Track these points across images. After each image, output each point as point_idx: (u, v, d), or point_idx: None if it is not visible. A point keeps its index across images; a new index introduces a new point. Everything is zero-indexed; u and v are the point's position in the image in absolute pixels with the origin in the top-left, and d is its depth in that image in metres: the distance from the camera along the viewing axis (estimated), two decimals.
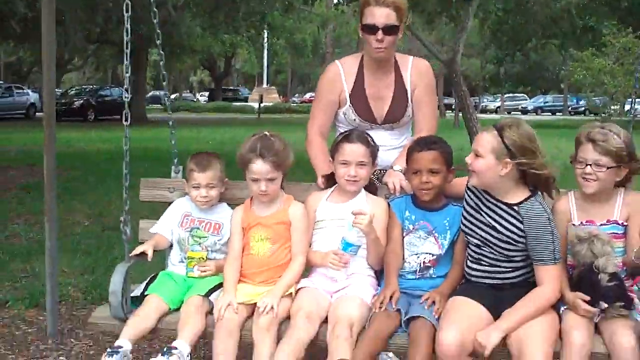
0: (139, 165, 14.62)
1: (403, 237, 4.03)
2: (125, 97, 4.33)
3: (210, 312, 3.90)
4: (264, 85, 67.19)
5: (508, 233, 3.66)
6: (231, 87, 74.35)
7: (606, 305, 3.49)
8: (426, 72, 4.53)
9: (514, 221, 3.64)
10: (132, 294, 4.05)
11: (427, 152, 3.93)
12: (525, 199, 3.65)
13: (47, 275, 5.02)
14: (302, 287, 3.95)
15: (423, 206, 4.03)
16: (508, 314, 3.55)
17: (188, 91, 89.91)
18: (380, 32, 4.23)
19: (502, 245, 3.69)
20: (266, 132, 4.14)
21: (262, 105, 48.30)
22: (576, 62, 34.79)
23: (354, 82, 4.47)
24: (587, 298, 3.52)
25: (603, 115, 33.69)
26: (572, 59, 37.12)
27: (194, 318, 3.81)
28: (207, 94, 76.03)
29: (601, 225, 3.73)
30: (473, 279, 3.84)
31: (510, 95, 72.92)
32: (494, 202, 3.72)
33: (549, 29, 24.90)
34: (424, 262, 3.99)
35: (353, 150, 4.02)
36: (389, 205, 4.11)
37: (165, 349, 3.61)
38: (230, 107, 55.72)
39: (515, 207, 3.65)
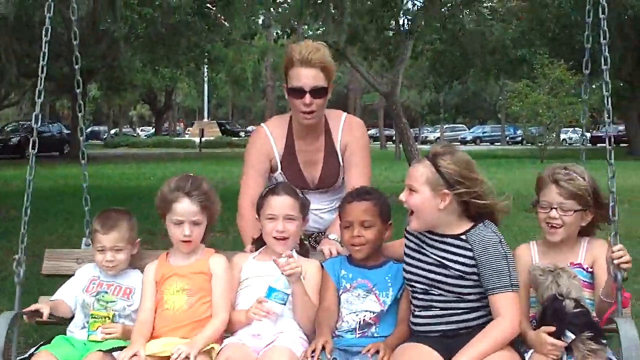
0: (72, 203, 14.43)
1: (340, 296, 3.67)
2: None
3: None
4: (205, 119, 66.94)
5: (458, 267, 3.33)
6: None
7: (573, 337, 3.18)
8: (357, 131, 4.24)
9: (463, 252, 3.34)
10: (18, 359, 3.56)
11: (359, 202, 3.64)
12: (472, 227, 3.37)
13: None
14: (226, 344, 3.51)
15: (360, 264, 3.70)
16: (466, 347, 3.19)
17: (128, 126, 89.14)
18: (307, 95, 3.94)
19: (453, 282, 3.34)
20: (191, 174, 3.84)
21: (203, 139, 48.13)
22: (512, 94, 35.66)
23: (284, 148, 4.20)
24: (552, 329, 3.20)
25: (540, 144, 34.46)
26: (508, 90, 38.05)
27: None
28: (149, 129, 75.56)
29: None
30: (422, 327, 3.44)
31: (450, 125, 74.12)
32: (438, 238, 3.42)
33: (484, 60, 25.55)
34: (363, 319, 3.60)
35: (280, 203, 3.68)
36: (322, 266, 3.77)
37: None
38: (172, 141, 55.42)
39: (463, 237, 3.36)
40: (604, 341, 3.23)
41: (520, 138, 57.21)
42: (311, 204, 3.99)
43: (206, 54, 34.91)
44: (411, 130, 20.12)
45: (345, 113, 4.35)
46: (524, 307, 3.40)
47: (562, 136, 42.82)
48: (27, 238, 3.87)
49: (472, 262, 3.32)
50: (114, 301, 3.74)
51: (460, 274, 3.33)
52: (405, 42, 16.98)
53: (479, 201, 3.33)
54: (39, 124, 4.06)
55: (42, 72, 3.96)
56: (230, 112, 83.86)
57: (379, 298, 3.63)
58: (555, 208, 3.43)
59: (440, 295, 3.38)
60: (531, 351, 3.30)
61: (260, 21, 30.56)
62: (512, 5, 23.14)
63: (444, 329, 3.37)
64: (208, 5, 20.25)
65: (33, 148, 3.93)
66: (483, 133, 68.29)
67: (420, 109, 61.10)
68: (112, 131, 73.86)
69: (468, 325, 3.35)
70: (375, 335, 3.58)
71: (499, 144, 61.76)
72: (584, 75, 4.00)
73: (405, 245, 3.57)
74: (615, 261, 3.23)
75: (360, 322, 3.59)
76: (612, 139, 3.48)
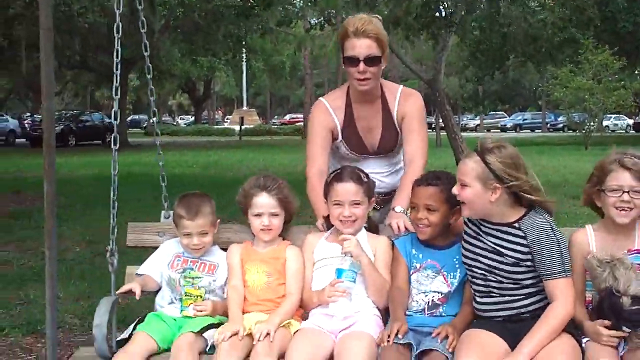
0: (124, 191, 14.61)
1: (410, 275, 3.79)
2: (115, 121, 4.23)
3: (203, 351, 3.64)
4: (244, 108, 67.25)
5: (512, 254, 3.44)
6: None
7: (629, 331, 3.29)
8: (414, 101, 4.39)
9: (517, 239, 3.44)
10: (118, 338, 3.78)
11: (425, 187, 3.74)
12: (524, 215, 3.47)
13: (47, 302, 4.97)
14: (301, 329, 3.69)
15: (430, 244, 3.82)
16: (527, 338, 3.31)
17: (167, 115, 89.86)
18: (361, 64, 4.13)
19: (509, 269, 3.46)
20: (269, 174, 4.11)
21: (243, 127, 48.36)
22: (555, 80, 35.20)
23: (344, 116, 4.36)
24: (608, 323, 3.33)
25: (583, 131, 34.05)
26: (550, 77, 37.54)
27: (186, 356, 3.54)
28: (188, 117, 76.09)
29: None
30: (485, 314, 3.57)
31: (490, 113, 73.57)
32: (493, 226, 3.52)
33: (527, 46, 25.19)
34: (432, 300, 3.74)
35: (346, 190, 3.81)
36: (393, 243, 3.89)
37: None
38: (212, 129, 55.74)
39: (516, 225, 3.46)
40: None
41: (561, 125, 56.62)
42: (371, 168, 4.22)
43: (243, 43, 35.05)
44: (454, 116, 19.98)
45: (402, 86, 4.50)
46: (579, 294, 3.51)
47: (605, 122, 42.22)
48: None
49: (526, 249, 3.41)
50: (200, 277, 3.93)
51: (516, 260, 3.43)
52: (448, 29, 16.82)
53: (528, 196, 3.43)
54: (117, 119, 4.24)
55: (116, 82, 4.14)
56: (268, 101, 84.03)
57: (446, 279, 3.75)
58: (627, 192, 3.48)
59: (497, 281, 3.49)
60: (587, 339, 3.42)
61: (296, 10, 30.55)
62: None
63: (506, 314, 3.50)
64: None
65: (114, 144, 4.19)
66: (523, 120, 67.59)
67: (459, 98, 60.65)
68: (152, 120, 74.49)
69: (529, 309, 3.47)
70: (443, 314, 3.71)
71: (540, 131, 61.11)
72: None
73: (464, 231, 3.66)
74: None
75: (429, 302, 3.73)
76: None
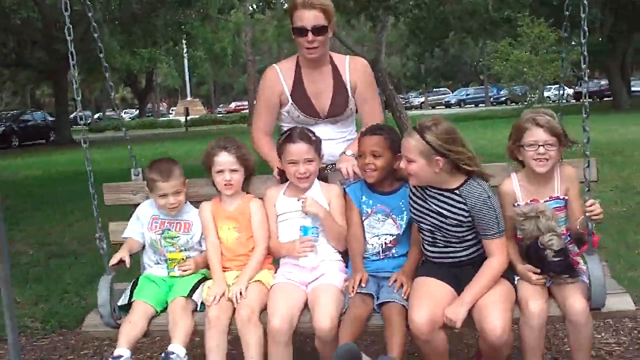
0: (73, 190, 14.44)
1: (362, 221, 4.24)
2: (81, 114, 4.48)
3: (195, 309, 4.11)
4: (188, 98, 66.74)
5: (454, 216, 3.90)
6: None
7: (554, 275, 3.85)
8: (364, 69, 4.71)
9: (458, 204, 3.89)
10: (119, 303, 4.18)
11: (370, 136, 4.18)
12: (464, 182, 3.90)
13: (5, 308, 4.93)
14: (276, 284, 4.17)
15: (378, 190, 4.24)
16: (468, 288, 3.83)
17: (111, 109, 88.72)
18: (310, 33, 4.43)
19: (452, 228, 3.93)
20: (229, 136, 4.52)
21: (188, 118, 48.03)
22: (495, 54, 35.63)
23: (293, 82, 4.63)
24: (537, 270, 3.87)
25: (525, 103, 34.55)
26: (490, 51, 37.99)
27: (182, 319, 4.00)
28: (132, 111, 75.27)
29: (545, 202, 4.01)
30: (433, 259, 4.07)
31: (434, 90, 74.12)
32: (437, 190, 3.95)
33: (466, 23, 25.47)
34: (385, 242, 4.21)
35: (298, 150, 4.23)
36: (344, 191, 4.32)
37: (163, 356, 3.86)
38: (157, 122, 55.24)
39: (457, 192, 3.89)
40: (578, 276, 3.86)
41: (504, 98, 57.28)
42: (323, 135, 4.51)
43: (183, 30, 34.70)
44: (399, 96, 20.12)
45: (348, 55, 4.84)
46: (510, 237, 4.04)
47: (546, 93, 42.85)
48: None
49: (466, 213, 3.89)
50: (178, 236, 4.39)
51: (458, 222, 3.92)
52: (386, 7, 16.89)
53: (468, 167, 3.88)
54: (85, 117, 4.30)
55: (73, 63, 4.23)
56: (212, 90, 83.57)
57: (395, 222, 4.22)
58: (542, 145, 3.96)
59: (442, 236, 4.00)
60: (519, 277, 3.98)
61: None
62: None
63: (450, 261, 4.03)
64: None
65: (84, 142, 4.40)
66: (466, 95, 68.22)
67: (402, 77, 61.05)
68: (96, 115, 73.52)
69: (469, 257, 4.01)
70: (395, 255, 4.23)
71: (483, 105, 61.75)
72: (564, 31, 4.40)
73: (411, 191, 4.11)
74: (588, 214, 3.78)
75: (382, 244, 4.23)
76: (587, 95, 3.87)
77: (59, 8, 4.29)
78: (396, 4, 17.01)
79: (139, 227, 4.46)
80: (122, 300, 4.20)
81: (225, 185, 4.34)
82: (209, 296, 4.03)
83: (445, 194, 3.92)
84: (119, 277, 4.28)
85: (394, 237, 4.22)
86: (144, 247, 4.48)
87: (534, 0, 26.78)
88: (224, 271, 4.25)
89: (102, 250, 4.17)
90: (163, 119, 61.59)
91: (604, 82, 46.98)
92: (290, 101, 4.62)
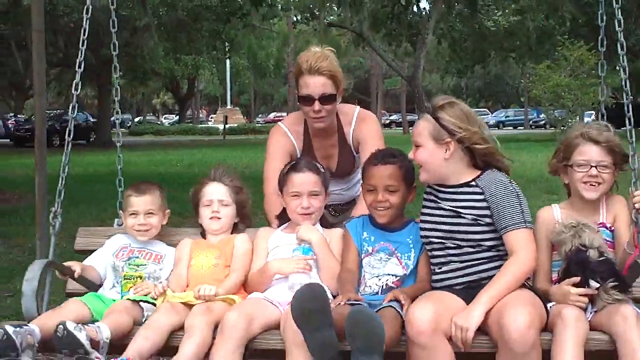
0: (108, 189, 14.75)
1: (361, 260, 3.72)
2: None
3: (139, 322, 3.58)
4: (228, 106, 67.27)
5: (471, 211, 3.41)
6: None
7: (597, 285, 3.21)
8: (369, 125, 4.37)
9: (474, 196, 3.43)
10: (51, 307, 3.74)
11: (383, 166, 3.64)
12: (481, 174, 3.48)
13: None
14: (248, 297, 3.73)
15: (382, 226, 3.73)
16: (484, 289, 3.27)
17: (151, 114, 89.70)
18: (316, 103, 4.09)
19: (468, 229, 3.41)
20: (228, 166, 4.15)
21: (226, 126, 48.44)
22: (534, 77, 35.41)
23: (303, 143, 4.36)
24: (577, 280, 3.26)
25: (562, 128, 34.32)
26: (531, 73, 37.78)
27: (120, 314, 3.51)
28: (172, 116, 76.12)
29: None
30: (444, 282, 3.49)
31: (473, 109, 73.57)
32: (450, 189, 3.50)
33: (506, 42, 25.54)
34: (386, 283, 3.63)
35: (303, 181, 3.82)
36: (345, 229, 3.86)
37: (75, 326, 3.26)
38: (196, 128, 55.76)
39: (472, 183, 3.45)
40: (629, 289, 3.27)
41: (543, 122, 56.82)
42: (331, 187, 4.10)
43: (226, 39, 35.06)
44: None
45: (358, 107, 4.47)
46: (545, 271, 3.50)
47: (586, 119, 42.52)
48: (65, 222, 4.08)
49: (484, 204, 3.40)
50: (145, 264, 3.90)
51: (474, 217, 3.40)
52: (425, 27, 17.11)
53: (480, 145, 3.44)
54: (75, 114, 4.40)
55: (79, 67, 4.32)
56: (253, 99, 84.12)
57: (401, 261, 3.67)
58: (595, 166, 3.45)
59: (456, 247, 3.44)
60: (552, 303, 3.34)
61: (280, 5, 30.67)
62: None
63: (465, 280, 3.43)
64: None
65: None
66: (506, 117, 67.68)
67: (442, 94, 60.97)
68: (136, 119, 74.40)
69: (489, 274, 3.38)
70: None
71: (522, 127, 61.31)
72: (600, 53, 3.99)
73: (424, 199, 3.63)
74: (637, 205, 3.30)
75: (382, 286, 3.63)
76: (632, 119, 3.54)
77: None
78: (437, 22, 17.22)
79: (103, 256, 4.00)
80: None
81: (211, 218, 3.91)
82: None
83: (460, 189, 3.47)
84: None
85: (398, 277, 3.65)
86: (100, 285, 3.96)
87: (573, 19, 26.60)
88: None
89: (51, 229, 3.94)
90: (202, 125, 62.08)
91: None
92: None
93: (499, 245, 3.42)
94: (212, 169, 4.07)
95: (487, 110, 74.07)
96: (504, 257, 3.41)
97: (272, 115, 78.71)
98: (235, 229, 4.01)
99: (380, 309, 3.32)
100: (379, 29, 18.06)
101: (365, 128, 4.33)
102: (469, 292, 3.35)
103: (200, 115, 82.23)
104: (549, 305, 3.33)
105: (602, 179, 3.45)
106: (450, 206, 3.47)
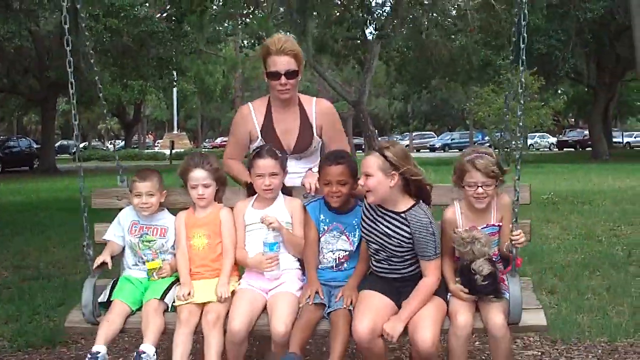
0: (50, 216, 14.57)
1: (319, 237, 4.72)
2: (76, 134, 4.91)
3: (167, 310, 4.55)
4: (175, 131, 66.99)
5: (398, 237, 4.36)
6: None
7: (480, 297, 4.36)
8: (329, 111, 5.21)
9: (403, 227, 4.35)
10: (99, 300, 4.62)
11: (335, 166, 4.59)
12: (411, 207, 4.37)
13: None
14: (239, 289, 4.62)
15: (334, 209, 4.71)
16: (405, 305, 4.32)
17: (97, 139, 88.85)
18: (283, 77, 4.92)
19: (395, 248, 4.39)
20: (202, 152, 4.83)
21: (173, 151, 48.20)
22: (479, 100, 36.10)
23: (264, 120, 5.10)
24: (467, 290, 4.35)
25: (506, 150, 34.94)
26: (475, 96, 38.46)
27: (154, 319, 4.45)
28: (118, 142, 75.45)
29: (482, 228, 4.48)
30: (378, 273, 4.56)
31: (419, 133, 74.53)
32: (386, 212, 4.41)
33: (450, 67, 25.95)
34: (338, 257, 4.71)
35: (265, 164, 4.68)
36: (304, 207, 4.78)
37: (135, 355, 4.30)
38: (142, 154, 55.39)
39: (403, 215, 4.36)
40: (502, 297, 4.33)
41: (488, 144, 57.78)
42: (291, 168, 4.98)
43: (174, 63, 35.02)
44: (379, 138, 20.50)
45: (314, 97, 5.32)
46: (448, 257, 4.54)
47: (530, 141, 43.40)
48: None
49: (409, 235, 4.36)
50: (154, 240, 4.86)
51: (400, 240, 4.38)
52: (371, 51, 17.34)
53: (415, 177, 4.34)
54: (79, 139, 4.54)
55: (71, 89, 4.69)
56: (200, 124, 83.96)
57: (349, 238, 4.73)
58: (480, 186, 4.43)
59: (387, 254, 4.46)
60: (450, 295, 4.44)
61: (226, 30, 30.81)
62: (469, 17, 23.57)
63: (393, 276, 4.51)
64: (175, 17, 20.45)
65: (78, 160, 4.89)
66: (452, 140, 68.55)
67: (389, 119, 61.52)
68: (82, 145, 73.48)
69: (410, 273, 4.47)
70: (347, 268, 4.71)
71: None
72: (510, 66, 4.75)
73: (363, 213, 4.57)
74: (514, 242, 4.30)
75: (336, 259, 4.73)
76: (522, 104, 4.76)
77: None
78: (382, 46, 17.45)
79: (119, 231, 4.93)
80: (102, 298, 4.64)
81: (198, 197, 4.80)
82: (177, 298, 4.54)
83: (393, 215, 4.38)
84: (101, 276, 4.73)
85: (347, 252, 4.72)
86: (123, 249, 4.93)
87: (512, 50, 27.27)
88: (195, 277, 4.72)
89: (88, 257, 4.69)
90: (149, 151, 61.72)
91: (587, 131, 47.60)
92: (260, 137, 5.07)
93: (416, 256, 4.46)
94: (190, 157, 4.94)
95: (433, 134, 75.14)
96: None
97: (219, 140, 78.64)
98: (217, 194, 4.91)
99: (334, 310, 4.35)
100: (324, 51, 18.23)
101: (327, 116, 5.16)
102: (393, 285, 4.48)
103: (147, 141, 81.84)
104: (448, 295, 4.44)
105: (487, 194, 4.43)
106: (384, 226, 4.43)
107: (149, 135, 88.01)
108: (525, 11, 4.52)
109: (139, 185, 4.84)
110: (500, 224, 4.56)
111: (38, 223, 13.40)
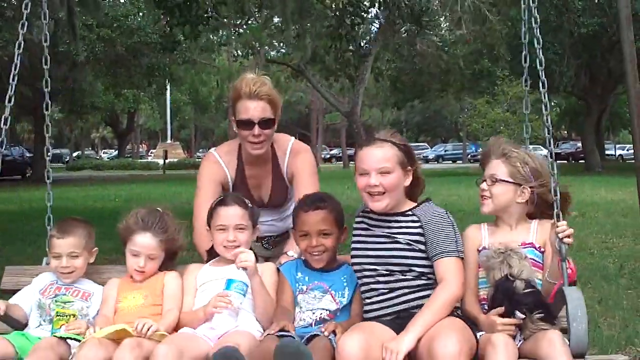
0: (43, 225, 14.48)
1: (296, 297, 3.73)
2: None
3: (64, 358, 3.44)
4: (168, 141, 66.87)
5: (406, 236, 3.48)
6: None
7: (523, 316, 3.25)
8: (304, 158, 4.35)
9: (410, 223, 3.50)
10: None
11: (314, 212, 3.67)
12: (417, 205, 3.59)
13: None
14: (178, 332, 3.62)
15: (316, 268, 3.75)
16: (416, 317, 3.31)
17: (90, 148, 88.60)
18: (256, 127, 4.08)
19: (402, 253, 3.47)
20: (159, 208, 3.94)
21: (167, 161, 48.09)
22: (473, 111, 36.16)
23: (235, 173, 4.32)
24: (502, 310, 3.29)
25: None
26: (469, 107, 38.51)
27: (44, 351, 3.36)
28: (111, 151, 75.34)
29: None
30: (374, 313, 3.52)
31: (413, 144, 74.27)
32: (385, 217, 3.56)
33: (443, 78, 26.03)
34: (320, 316, 3.67)
35: (229, 214, 3.73)
36: (278, 270, 3.84)
37: None
38: (135, 163, 55.24)
39: (409, 212, 3.55)
40: (555, 321, 3.30)
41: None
42: (263, 217, 4.13)
43: (166, 74, 35.01)
44: None
45: (293, 139, 4.47)
46: (472, 289, 3.54)
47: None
48: None
49: (419, 230, 3.48)
50: (72, 301, 3.76)
51: (409, 241, 3.47)
52: (364, 63, 17.37)
53: (420, 177, 3.68)
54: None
55: (9, 102, 4.23)
56: (193, 134, 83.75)
57: (335, 298, 3.69)
58: (485, 180, 3.64)
59: (388, 273, 3.47)
60: (482, 333, 3.36)
61: (219, 39, 30.83)
62: (462, 32, 23.67)
63: (395, 310, 3.46)
64: (168, 28, 20.47)
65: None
66: (445, 151, 68.75)
67: (382, 129, 61.57)
68: (75, 154, 73.42)
69: (418, 304, 3.41)
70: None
71: (461, 161, 62.20)
72: (525, 86, 4.23)
73: (355, 228, 3.68)
74: (560, 235, 3.33)
75: (317, 318, 3.65)
76: (553, 145, 3.66)
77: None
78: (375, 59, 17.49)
79: (29, 293, 3.85)
80: None
81: (136, 271, 3.77)
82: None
83: (394, 217, 3.55)
84: None
85: (332, 311, 3.67)
86: (26, 324, 3.80)
87: (513, 59, 27.36)
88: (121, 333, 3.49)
89: None
90: (142, 160, 61.54)
91: (580, 144, 47.62)
92: (232, 191, 4.29)
93: (428, 273, 3.47)
94: (141, 212, 3.89)
95: (427, 145, 75.17)
96: (432, 286, 3.45)
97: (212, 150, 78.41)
98: (163, 265, 3.89)
99: (313, 337, 3.34)
100: (316, 62, 18.25)
101: (299, 161, 4.32)
102: (397, 323, 3.39)
103: (140, 150, 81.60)
104: (478, 334, 3.35)
105: (491, 194, 3.57)
106: (385, 232, 3.54)
107: (142, 145, 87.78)
108: (538, 34, 3.86)
109: (58, 242, 3.77)
110: (543, 249, 3.54)
111: (30, 232, 13.35)
